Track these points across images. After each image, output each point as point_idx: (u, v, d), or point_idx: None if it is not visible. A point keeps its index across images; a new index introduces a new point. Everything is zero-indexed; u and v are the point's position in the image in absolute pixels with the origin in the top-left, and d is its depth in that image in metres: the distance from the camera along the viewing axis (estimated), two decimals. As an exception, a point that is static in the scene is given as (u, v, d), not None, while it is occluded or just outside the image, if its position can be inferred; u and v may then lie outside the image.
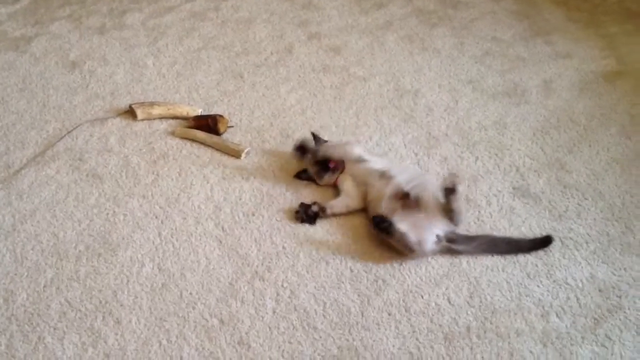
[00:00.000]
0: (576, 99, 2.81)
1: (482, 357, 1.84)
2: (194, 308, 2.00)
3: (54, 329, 1.96)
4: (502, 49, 3.18)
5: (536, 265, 2.09)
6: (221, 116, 2.68)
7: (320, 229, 2.24)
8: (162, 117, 2.76)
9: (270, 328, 1.94)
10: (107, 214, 2.33)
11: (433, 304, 1.99)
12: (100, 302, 2.03)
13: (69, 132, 2.70)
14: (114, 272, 2.12)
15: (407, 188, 2.19)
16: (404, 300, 2.01)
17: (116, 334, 1.94)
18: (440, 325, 1.93)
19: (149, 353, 1.88)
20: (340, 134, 2.65)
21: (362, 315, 1.97)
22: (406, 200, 2.17)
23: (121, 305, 2.01)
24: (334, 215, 2.29)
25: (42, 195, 2.41)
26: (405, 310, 1.98)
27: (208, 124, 2.65)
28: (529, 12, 3.46)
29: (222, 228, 2.26)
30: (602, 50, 3.13)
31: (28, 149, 2.63)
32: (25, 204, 2.37)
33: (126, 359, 1.87)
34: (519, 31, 3.32)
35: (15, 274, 2.12)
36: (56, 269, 2.13)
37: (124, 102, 2.87)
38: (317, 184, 2.42)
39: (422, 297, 2.01)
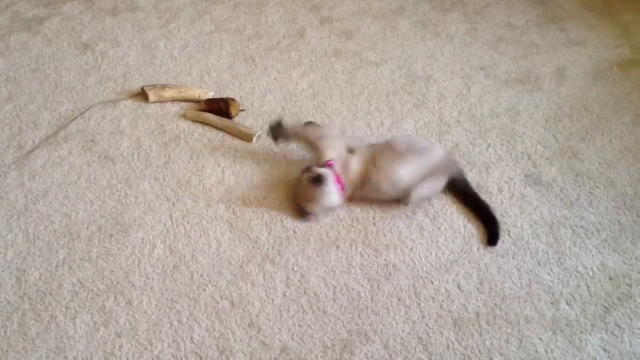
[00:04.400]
0: (589, 86, 2.80)
1: (492, 343, 1.85)
2: (204, 290, 2.02)
3: (66, 308, 1.97)
4: (515, 35, 3.15)
5: (547, 253, 2.09)
6: (233, 99, 2.68)
7: (330, 214, 2.24)
8: (174, 100, 2.77)
9: (280, 311, 1.96)
10: (119, 195, 2.34)
11: (443, 290, 2.00)
12: (112, 282, 2.04)
13: (81, 114, 2.70)
14: (125, 253, 2.13)
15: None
16: (413, 286, 2.01)
17: (127, 314, 1.95)
18: (449, 311, 1.94)
19: (159, 333, 1.90)
20: (352, 119, 2.64)
21: (372, 300, 1.98)
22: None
23: (132, 286, 2.03)
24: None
25: (54, 176, 2.42)
26: (415, 296, 1.98)
27: (220, 107, 2.65)
28: (543, -1, 3.44)
29: (233, 211, 2.27)
30: (616, 38, 3.10)
31: (40, 129, 2.64)
32: (37, 185, 2.39)
33: (137, 338, 1.88)
34: (532, 17, 3.29)
35: (28, 254, 2.14)
36: (68, 249, 2.15)
37: (135, 84, 2.87)
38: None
39: (432, 282, 2.02)
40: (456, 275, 2.04)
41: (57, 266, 2.10)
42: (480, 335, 1.87)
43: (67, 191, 2.36)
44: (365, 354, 1.85)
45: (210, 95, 2.78)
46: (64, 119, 2.69)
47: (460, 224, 2.20)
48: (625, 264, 2.06)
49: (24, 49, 3.15)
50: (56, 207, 2.30)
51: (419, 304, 1.96)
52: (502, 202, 2.27)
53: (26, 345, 1.88)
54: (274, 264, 2.09)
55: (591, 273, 2.03)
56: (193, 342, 1.88)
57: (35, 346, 1.88)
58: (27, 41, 3.20)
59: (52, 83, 2.90)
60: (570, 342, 1.85)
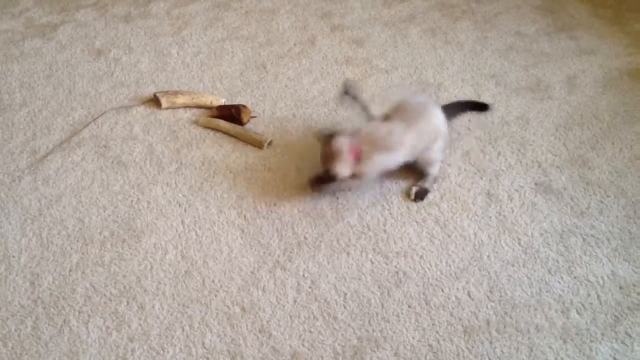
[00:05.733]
0: (600, 95, 2.80)
1: (502, 352, 1.85)
2: (216, 295, 2.03)
3: (79, 312, 1.99)
4: (525, 43, 3.16)
5: (557, 262, 2.10)
6: (244, 106, 2.70)
7: (341, 221, 2.26)
8: (186, 106, 2.79)
9: (291, 317, 1.97)
10: (132, 200, 2.36)
11: (453, 298, 2.01)
12: (125, 287, 2.06)
13: (94, 120, 2.73)
14: (137, 258, 2.15)
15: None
16: (424, 293, 2.02)
17: (140, 318, 1.97)
18: (460, 319, 1.94)
19: (171, 338, 1.91)
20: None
21: (382, 307, 1.99)
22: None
23: (145, 291, 2.05)
24: None
25: (67, 181, 2.44)
26: (426, 303, 1.99)
27: (231, 114, 2.67)
28: (554, 7, 3.44)
29: (245, 217, 2.28)
30: (626, 47, 3.11)
31: (54, 135, 2.66)
32: (51, 189, 2.41)
33: (149, 343, 1.90)
34: (543, 26, 3.30)
35: (42, 258, 2.16)
36: (81, 254, 2.17)
37: (148, 91, 2.90)
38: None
39: (442, 290, 2.03)
40: (466, 282, 2.05)
41: (70, 270, 2.12)
42: (491, 343, 1.88)
43: (80, 196, 2.38)
44: (375, 360, 1.86)
45: (222, 101, 2.80)
46: (78, 125, 2.71)
47: (470, 231, 2.20)
48: (636, 272, 2.06)
49: (38, 55, 3.18)
50: (70, 212, 2.32)
51: (429, 312, 1.97)
52: (513, 210, 2.27)
53: (39, 349, 1.90)
54: (284, 270, 2.10)
55: (601, 282, 2.03)
56: (204, 347, 1.89)
57: (49, 350, 1.90)
58: (41, 47, 3.24)
59: (65, 89, 2.93)
60: (580, 350, 1.85)
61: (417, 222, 2.25)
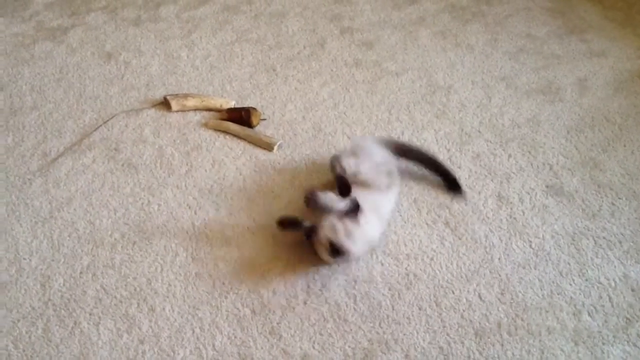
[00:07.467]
0: (611, 97, 2.79)
1: (513, 354, 1.84)
2: (226, 297, 2.03)
3: (90, 314, 2.00)
4: (536, 46, 3.15)
5: (569, 264, 2.09)
6: (254, 109, 2.70)
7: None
8: (196, 109, 2.79)
9: (301, 319, 1.96)
10: (142, 203, 2.36)
11: (464, 300, 2.00)
12: (135, 289, 2.06)
13: (104, 122, 2.74)
14: (148, 260, 2.16)
15: None
16: (434, 295, 2.01)
17: (150, 320, 1.97)
18: (470, 321, 1.94)
19: (182, 340, 1.91)
20: (372, 129, 2.65)
21: (393, 309, 1.98)
22: None
23: (155, 293, 2.05)
24: None
25: (78, 183, 2.45)
26: (436, 305, 1.98)
27: (241, 117, 2.68)
28: (564, 9, 3.42)
29: (254, 219, 2.28)
30: (637, 50, 3.09)
31: (65, 137, 2.67)
32: (62, 192, 2.42)
33: (160, 345, 1.90)
34: (553, 28, 3.28)
35: (52, 260, 2.17)
36: (92, 256, 2.18)
37: (158, 94, 2.91)
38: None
39: (453, 292, 2.02)
40: (477, 285, 2.04)
41: (81, 273, 2.12)
42: (502, 345, 1.87)
43: (91, 199, 2.39)
44: (386, 363, 1.85)
45: (232, 104, 2.80)
46: (88, 128, 2.72)
47: (481, 234, 2.19)
48: (648, 275, 2.05)
49: (49, 58, 3.20)
50: (80, 214, 2.33)
51: (440, 314, 1.96)
52: (524, 213, 2.26)
53: (50, 351, 1.90)
54: (295, 272, 2.10)
55: (613, 284, 2.02)
56: (215, 349, 1.89)
57: (59, 352, 1.90)
58: (52, 50, 3.25)
59: (76, 92, 2.95)
60: (592, 353, 1.84)
61: (427, 224, 2.24)
